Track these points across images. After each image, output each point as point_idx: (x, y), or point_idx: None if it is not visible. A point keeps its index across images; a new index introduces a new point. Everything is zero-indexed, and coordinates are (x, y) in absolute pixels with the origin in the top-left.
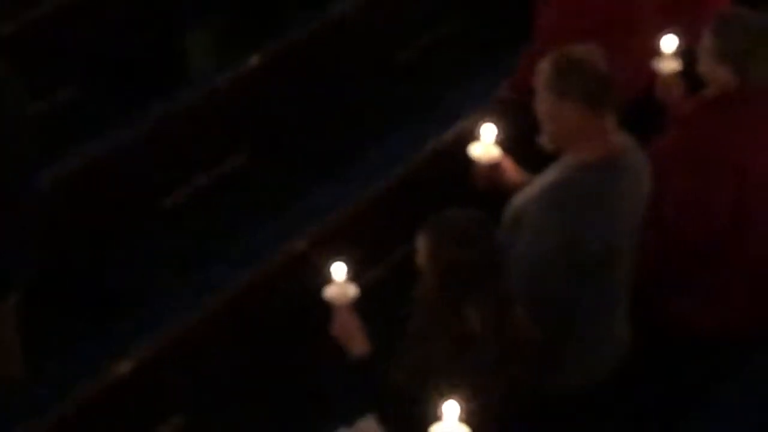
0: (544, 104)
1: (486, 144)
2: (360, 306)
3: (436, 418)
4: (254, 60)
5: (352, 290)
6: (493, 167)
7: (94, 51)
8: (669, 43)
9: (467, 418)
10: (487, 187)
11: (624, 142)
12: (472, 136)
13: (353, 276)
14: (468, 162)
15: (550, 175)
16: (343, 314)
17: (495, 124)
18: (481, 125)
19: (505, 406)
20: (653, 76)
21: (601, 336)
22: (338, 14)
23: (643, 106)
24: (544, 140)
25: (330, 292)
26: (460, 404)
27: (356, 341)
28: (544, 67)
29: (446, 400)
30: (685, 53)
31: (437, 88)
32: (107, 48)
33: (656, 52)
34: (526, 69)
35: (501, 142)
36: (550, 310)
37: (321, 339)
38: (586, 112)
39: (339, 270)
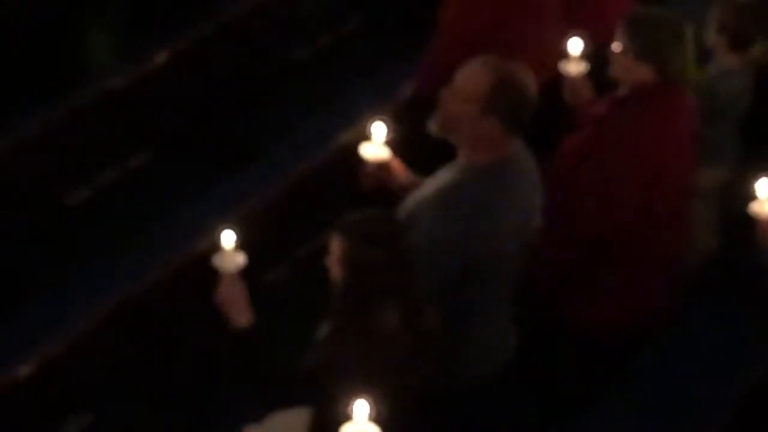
0: (460, 108)
1: (376, 143)
2: (263, 304)
3: (347, 417)
4: (158, 58)
5: (240, 258)
6: (382, 167)
7: None
8: (575, 45)
9: (377, 417)
10: (374, 187)
11: (516, 145)
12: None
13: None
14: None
15: (443, 176)
16: (230, 282)
17: (386, 123)
18: (372, 124)
19: (414, 404)
20: (556, 74)
21: (486, 335)
22: (237, 12)
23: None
24: (434, 128)
25: (218, 259)
26: (370, 403)
27: (240, 311)
28: (480, 77)
29: (356, 399)
30: (591, 55)
31: (336, 86)
32: (9, 44)
33: (559, 51)
34: (432, 64)
35: (391, 141)
36: (441, 308)
37: (227, 336)
38: (502, 130)
39: (228, 237)
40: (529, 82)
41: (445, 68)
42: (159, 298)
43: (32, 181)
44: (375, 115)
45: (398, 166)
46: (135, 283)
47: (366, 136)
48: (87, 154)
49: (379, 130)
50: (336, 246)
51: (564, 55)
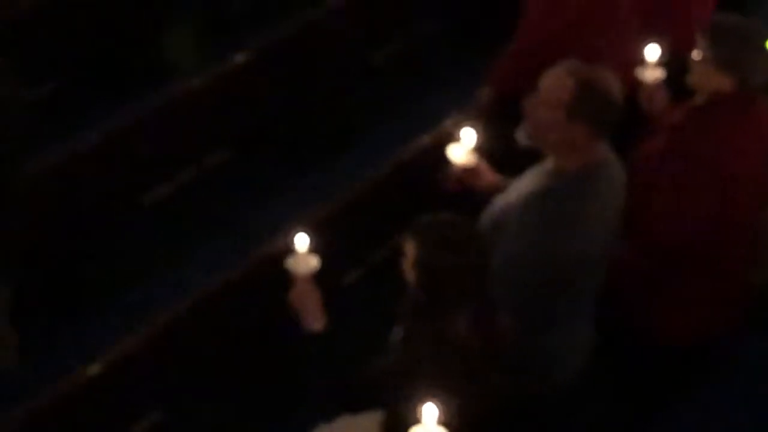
0: (547, 115)
1: (464, 147)
2: (338, 306)
3: (416, 420)
4: (238, 57)
5: (314, 261)
6: (469, 170)
7: (78, 45)
8: (652, 52)
9: (446, 421)
10: (458, 189)
11: (604, 151)
12: (451, 138)
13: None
14: (448, 162)
15: (530, 180)
16: (303, 285)
17: (474, 127)
18: (461, 127)
19: (483, 410)
20: (632, 80)
21: (568, 340)
22: (316, 14)
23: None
24: (523, 137)
25: (291, 262)
26: (439, 407)
27: (313, 314)
28: (563, 83)
29: (426, 402)
30: (668, 62)
31: (414, 90)
32: (92, 41)
33: (636, 58)
34: (511, 66)
35: (479, 145)
36: (524, 314)
37: (299, 334)
38: (588, 135)
39: (301, 240)
40: (613, 84)
41: (524, 71)
42: (233, 297)
43: (111, 180)
44: (453, 118)
45: (485, 170)
46: (211, 281)
47: (444, 139)
48: (166, 153)
49: (468, 134)
50: (410, 249)
51: (641, 61)
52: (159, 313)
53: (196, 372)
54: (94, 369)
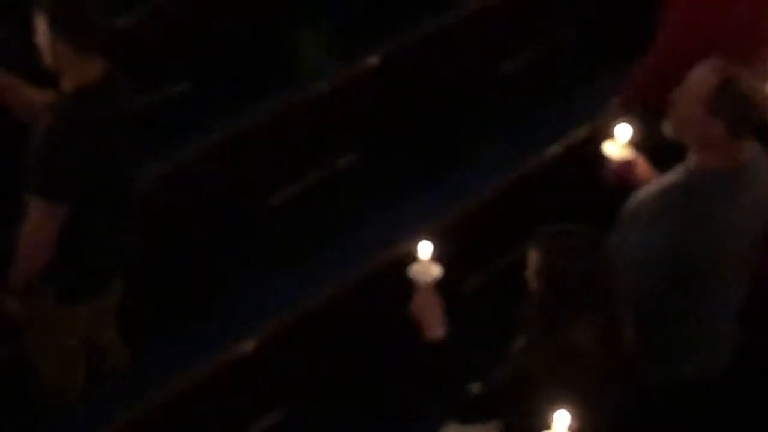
0: (688, 111)
1: (619, 143)
2: (458, 314)
3: (544, 427)
4: (371, 60)
5: (436, 270)
6: (626, 165)
7: (208, 46)
8: None
9: (577, 428)
10: (618, 184)
11: (751, 151)
12: (583, 146)
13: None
14: (576, 171)
15: (672, 174)
16: (425, 294)
17: (631, 123)
18: (615, 124)
19: (605, 422)
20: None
21: (701, 338)
22: (451, 20)
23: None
24: (668, 129)
25: (414, 270)
26: (570, 414)
27: (433, 323)
28: (706, 79)
29: (557, 409)
30: None
31: (544, 99)
32: (221, 42)
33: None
34: (640, 83)
35: (634, 142)
36: (650, 308)
37: (419, 342)
38: (726, 133)
39: (424, 248)
40: (757, 86)
41: (659, 84)
42: (354, 301)
43: (239, 180)
44: (582, 128)
45: (643, 165)
46: (333, 285)
47: (573, 149)
48: (294, 154)
49: (623, 130)
50: (533, 258)
51: None
52: (281, 314)
53: (315, 375)
54: (213, 368)
